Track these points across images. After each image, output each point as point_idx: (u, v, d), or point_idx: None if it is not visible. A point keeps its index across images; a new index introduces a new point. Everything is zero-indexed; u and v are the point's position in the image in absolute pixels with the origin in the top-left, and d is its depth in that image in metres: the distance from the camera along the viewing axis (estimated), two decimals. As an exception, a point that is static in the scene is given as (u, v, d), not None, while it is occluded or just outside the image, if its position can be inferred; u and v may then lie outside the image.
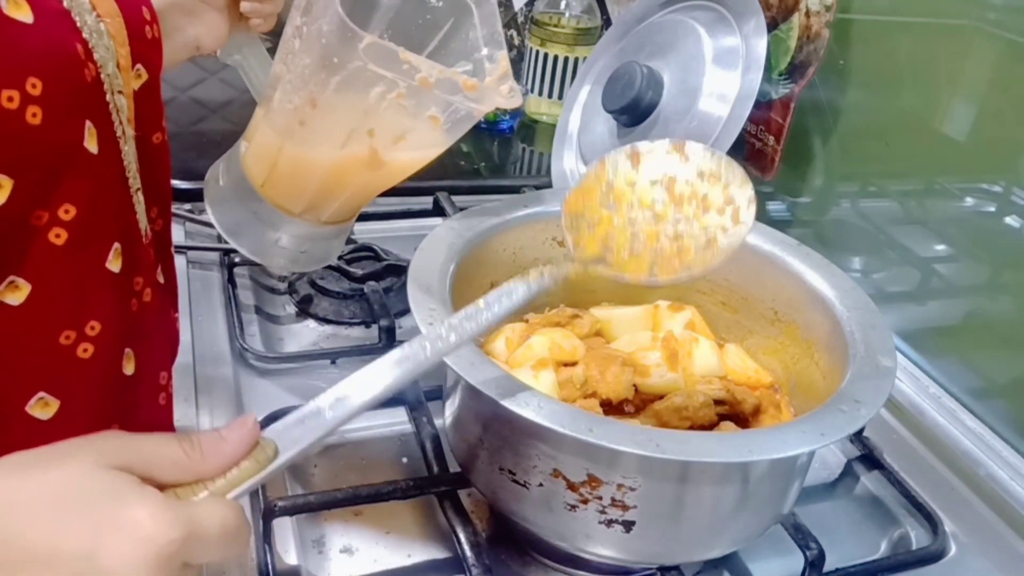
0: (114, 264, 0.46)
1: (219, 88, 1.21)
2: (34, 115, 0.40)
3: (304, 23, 0.54)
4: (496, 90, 0.55)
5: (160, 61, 0.50)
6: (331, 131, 0.56)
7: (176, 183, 0.93)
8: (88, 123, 0.43)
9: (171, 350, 0.58)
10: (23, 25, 0.39)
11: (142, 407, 0.52)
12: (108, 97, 0.45)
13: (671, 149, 0.56)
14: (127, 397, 0.50)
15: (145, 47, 0.48)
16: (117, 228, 0.47)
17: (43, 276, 0.43)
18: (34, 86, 0.39)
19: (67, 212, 0.43)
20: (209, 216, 0.62)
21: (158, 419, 0.55)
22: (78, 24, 0.43)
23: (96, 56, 0.44)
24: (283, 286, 0.85)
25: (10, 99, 0.38)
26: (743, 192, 0.54)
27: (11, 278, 0.42)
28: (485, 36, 0.58)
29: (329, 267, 0.85)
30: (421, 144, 0.58)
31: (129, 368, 0.50)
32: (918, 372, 0.80)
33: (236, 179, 0.61)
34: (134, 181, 0.48)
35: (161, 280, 0.54)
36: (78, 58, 0.42)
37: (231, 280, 0.81)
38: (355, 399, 0.43)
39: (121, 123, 0.46)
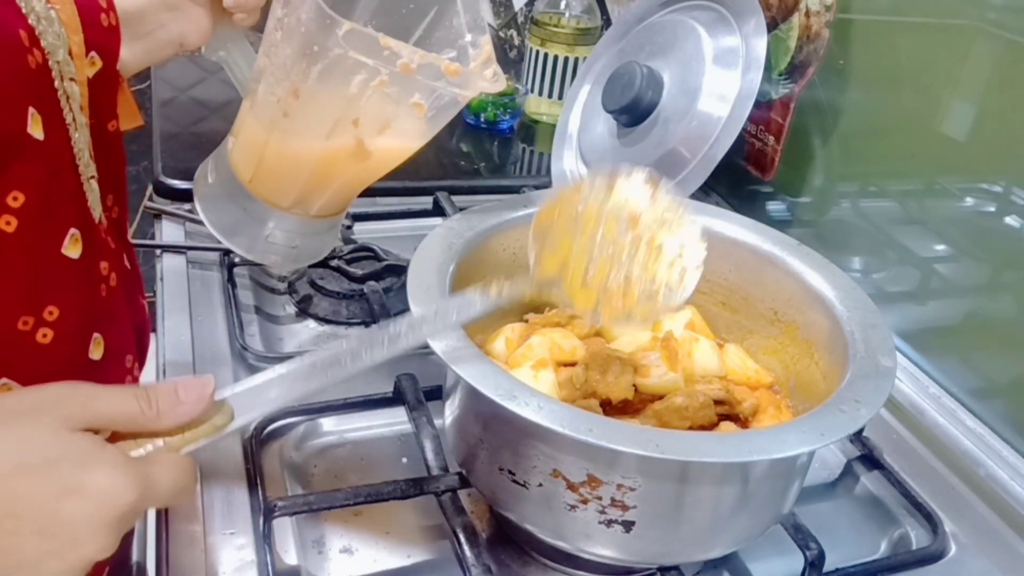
0: (72, 250, 0.46)
1: (219, 88, 1.21)
2: None
3: (285, 14, 0.54)
4: (480, 75, 0.55)
5: (117, 49, 0.50)
6: (315, 122, 0.56)
7: (176, 183, 0.94)
8: (32, 109, 0.43)
9: (139, 334, 0.57)
10: None
11: None
12: (57, 84, 0.44)
13: (648, 182, 0.55)
14: (94, 381, 0.50)
15: (100, 35, 0.48)
16: (71, 214, 0.47)
17: None
18: None
19: (16, 199, 0.43)
20: (199, 214, 0.62)
21: None
22: (24, 10, 0.43)
23: (44, 43, 0.43)
24: (283, 286, 0.85)
25: None
26: (696, 252, 0.54)
27: None
28: (468, 22, 0.57)
29: (329, 267, 0.85)
30: (406, 132, 0.58)
31: (97, 353, 0.50)
32: (918, 372, 0.80)
33: (224, 175, 0.61)
34: (86, 169, 0.48)
35: (128, 266, 0.54)
36: (21, 44, 0.42)
37: (231, 280, 0.81)
38: (312, 380, 0.45)
39: (71, 110, 0.45)
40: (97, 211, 0.49)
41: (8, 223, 0.43)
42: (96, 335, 0.49)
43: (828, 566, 0.58)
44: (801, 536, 0.59)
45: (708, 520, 0.53)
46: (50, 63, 0.44)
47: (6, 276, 0.43)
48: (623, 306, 0.53)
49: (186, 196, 0.92)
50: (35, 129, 0.43)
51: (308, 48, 0.51)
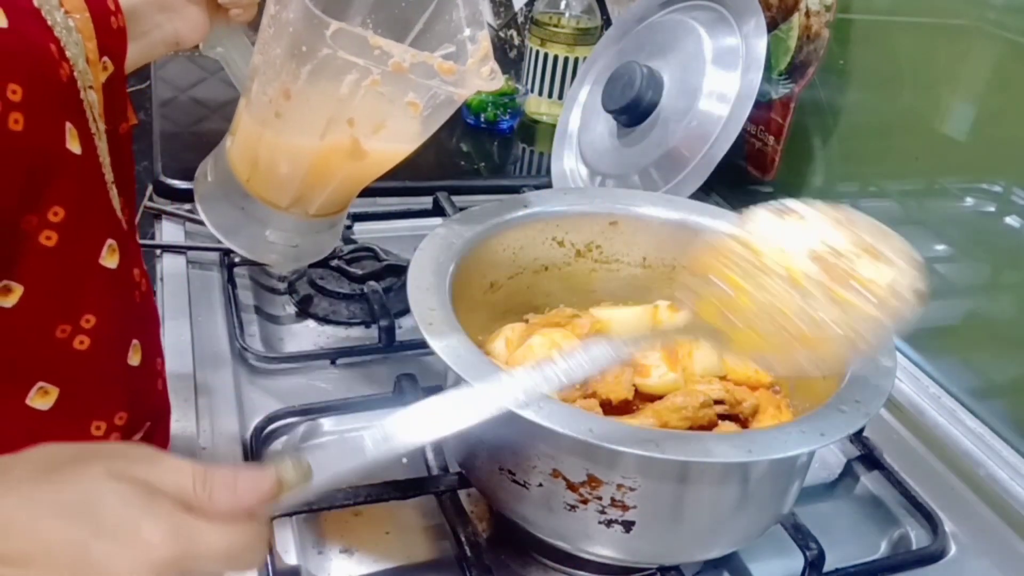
0: (109, 260, 0.46)
1: (219, 88, 1.21)
2: (16, 121, 0.39)
3: (277, 11, 0.53)
4: (476, 73, 0.54)
5: (125, 51, 0.49)
6: (308, 121, 0.55)
7: (176, 183, 0.94)
8: (68, 124, 0.43)
9: (158, 336, 0.58)
10: None
11: (146, 395, 0.52)
12: (82, 94, 0.44)
13: (827, 215, 0.47)
14: (133, 386, 0.50)
15: (111, 38, 0.47)
16: (105, 224, 0.47)
17: (35, 277, 0.43)
18: (14, 92, 0.39)
19: (56, 214, 0.43)
20: (199, 213, 0.61)
21: (159, 405, 0.56)
22: (49, 23, 0.42)
23: (68, 54, 0.43)
24: (283, 286, 0.85)
25: None
26: (906, 276, 0.44)
27: (3, 282, 0.42)
28: (468, 17, 0.56)
29: (329, 267, 0.85)
30: (402, 132, 0.57)
31: (135, 359, 0.50)
32: (918, 372, 0.80)
33: (223, 175, 0.60)
34: (108, 175, 0.48)
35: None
36: (53, 58, 0.42)
37: (231, 280, 0.81)
38: (401, 438, 0.42)
39: (94, 119, 0.45)
40: (119, 216, 0.49)
41: (49, 238, 0.43)
42: (135, 341, 0.49)
43: (828, 566, 0.58)
44: (801, 536, 0.59)
45: (708, 520, 0.53)
46: (74, 73, 0.44)
47: (45, 288, 0.43)
48: (814, 353, 0.44)
49: (186, 196, 0.92)
50: (73, 144, 0.43)
51: (296, 48, 0.51)
